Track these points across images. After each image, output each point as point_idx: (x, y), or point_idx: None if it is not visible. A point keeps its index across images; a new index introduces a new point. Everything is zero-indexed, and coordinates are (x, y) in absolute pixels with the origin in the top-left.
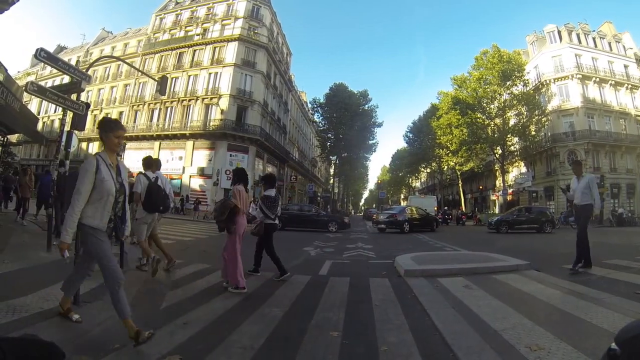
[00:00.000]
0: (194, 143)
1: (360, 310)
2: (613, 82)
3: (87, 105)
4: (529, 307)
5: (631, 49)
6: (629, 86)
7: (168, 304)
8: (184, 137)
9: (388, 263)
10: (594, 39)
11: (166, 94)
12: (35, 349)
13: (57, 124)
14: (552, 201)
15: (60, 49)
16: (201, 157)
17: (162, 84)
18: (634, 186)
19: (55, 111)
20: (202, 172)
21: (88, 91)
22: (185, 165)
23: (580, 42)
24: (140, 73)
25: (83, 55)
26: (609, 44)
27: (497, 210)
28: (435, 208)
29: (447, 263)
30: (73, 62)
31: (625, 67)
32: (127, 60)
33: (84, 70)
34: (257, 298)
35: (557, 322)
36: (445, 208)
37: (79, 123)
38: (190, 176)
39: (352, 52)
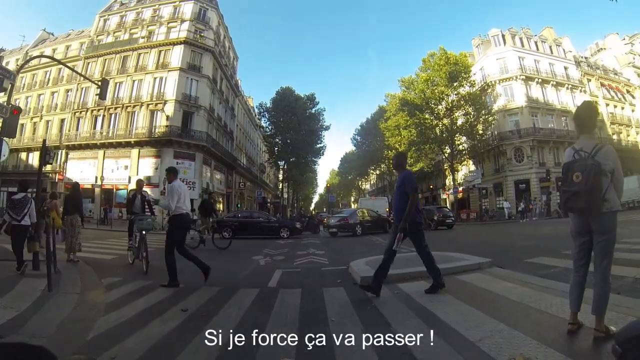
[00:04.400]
0: (139, 151)
1: (315, 329)
2: (554, 83)
3: (18, 109)
4: (502, 310)
5: (570, 52)
6: (569, 86)
7: (96, 333)
8: (129, 145)
9: (342, 269)
10: (535, 42)
11: (110, 100)
12: (24, 354)
13: None
14: (502, 197)
15: None
16: (147, 165)
17: (102, 87)
18: None
19: None
20: (148, 181)
21: (27, 97)
22: (131, 175)
23: (523, 45)
24: (82, 78)
25: (22, 58)
26: (550, 47)
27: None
28: (387, 209)
29: (405, 266)
30: (11, 65)
31: (566, 68)
32: (69, 64)
33: (16, 71)
34: (199, 319)
35: (537, 325)
36: None
37: (9, 129)
38: None
39: (300, 56)
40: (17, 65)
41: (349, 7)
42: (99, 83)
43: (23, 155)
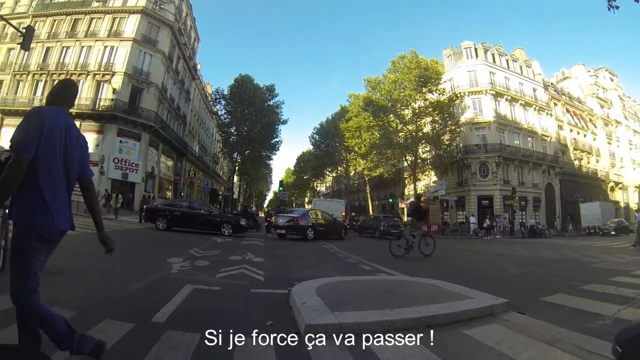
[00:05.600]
0: (80, 124)
1: None
2: (523, 102)
3: None
4: None
5: (539, 74)
6: (537, 107)
7: None
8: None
9: (280, 295)
10: (507, 60)
11: (54, 65)
12: (21, 356)
13: None
14: (463, 211)
15: None
16: (88, 141)
17: (26, 35)
18: (539, 200)
19: None
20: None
21: None
22: None
23: (494, 61)
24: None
25: None
26: (520, 67)
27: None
28: (343, 213)
29: (381, 304)
30: None
31: (534, 90)
32: (12, 21)
33: None
34: None
35: None
36: (353, 214)
37: None
38: None
39: (264, 46)
40: None
41: (319, 6)
42: (23, 30)
43: None
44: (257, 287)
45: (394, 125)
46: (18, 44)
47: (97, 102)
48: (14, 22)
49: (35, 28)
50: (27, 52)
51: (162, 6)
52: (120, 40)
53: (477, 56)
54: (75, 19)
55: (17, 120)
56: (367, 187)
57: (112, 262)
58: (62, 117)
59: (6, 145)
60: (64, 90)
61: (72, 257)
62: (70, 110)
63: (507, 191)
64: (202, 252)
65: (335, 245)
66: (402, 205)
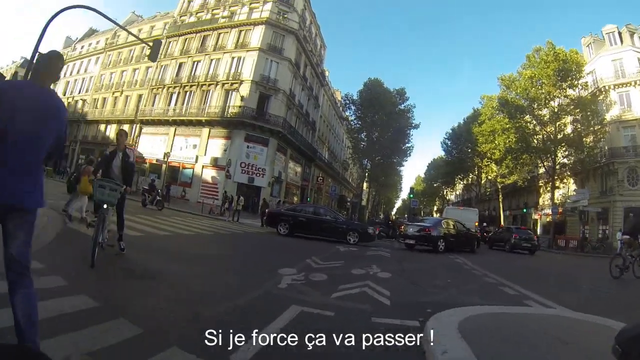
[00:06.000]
0: (209, 131)
1: None
2: None
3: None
4: None
5: None
6: None
7: None
8: (200, 123)
9: (409, 328)
10: None
11: (186, 78)
12: (17, 356)
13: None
14: (607, 225)
15: (92, 31)
16: (216, 146)
17: (154, 48)
18: None
19: None
20: (215, 163)
21: (111, 72)
22: (199, 154)
23: None
24: (162, 55)
25: (111, 37)
26: None
27: (539, 231)
28: (476, 223)
29: None
30: (101, 44)
31: None
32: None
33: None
34: None
35: None
36: (484, 224)
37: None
38: (202, 166)
39: (390, 46)
40: (107, 43)
41: (445, 4)
42: (151, 44)
43: (102, 127)
44: (380, 315)
45: (531, 126)
46: (147, 56)
47: (226, 110)
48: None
49: (169, 47)
50: (161, 67)
51: (286, 15)
52: (247, 51)
53: (622, 42)
54: (204, 35)
55: (153, 129)
56: (500, 196)
57: (217, 269)
58: (25, 89)
59: (145, 151)
60: (36, 65)
61: (176, 260)
62: (198, 118)
63: None
64: (321, 262)
65: (468, 259)
66: (535, 216)
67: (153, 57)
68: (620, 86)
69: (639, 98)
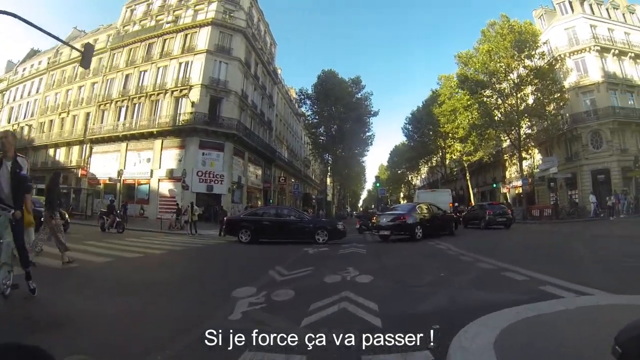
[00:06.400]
0: (162, 142)
1: None
2: (632, 55)
3: None
4: None
5: None
6: None
7: None
8: (151, 135)
9: None
10: (607, 9)
11: (134, 89)
12: (20, 355)
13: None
14: (576, 190)
15: (34, 52)
16: (170, 157)
17: (85, 53)
18: None
19: None
20: (171, 175)
21: (56, 93)
22: (154, 168)
23: (593, 12)
24: (107, 69)
25: (53, 55)
26: (623, 15)
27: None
28: (450, 204)
29: None
30: (44, 64)
31: None
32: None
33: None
34: None
35: None
36: (456, 204)
37: None
38: (159, 180)
39: (342, 37)
40: (49, 62)
41: None
42: (82, 50)
43: (51, 151)
44: (373, 350)
45: (494, 100)
46: (79, 64)
47: (177, 118)
48: (95, 58)
49: (114, 59)
50: (107, 81)
51: (232, 14)
52: (195, 54)
53: (572, 10)
54: (149, 43)
55: (104, 147)
56: (467, 174)
57: (155, 299)
58: None
59: (97, 172)
60: None
61: (107, 293)
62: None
63: (625, 162)
64: (287, 272)
65: (450, 243)
66: (504, 190)
67: (85, 63)
68: (575, 53)
69: (594, 63)
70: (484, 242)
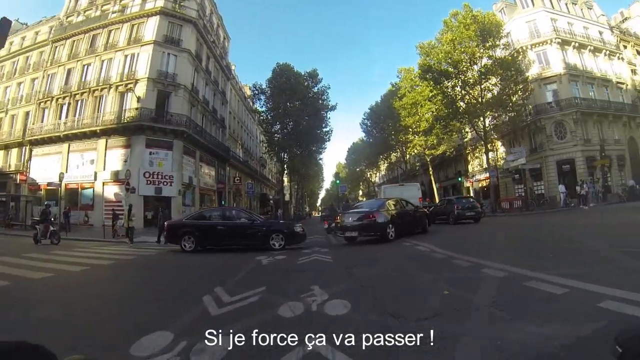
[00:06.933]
0: (106, 141)
1: None
2: (592, 48)
3: None
4: None
5: (602, 15)
6: (607, 52)
7: None
8: (95, 135)
9: None
10: (566, 4)
11: (76, 85)
12: (23, 352)
13: None
14: (541, 181)
15: None
16: (115, 158)
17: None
18: (624, 157)
19: None
20: (116, 177)
21: None
22: (98, 170)
23: (553, 6)
24: (48, 64)
25: None
26: (581, 10)
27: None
28: (420, 199)
29: None
30: None
31: (600, 33)
32: (36, 50)
33: None
34: None
35: None
36: (428, 200)
37: None
38: (103, 183)
39: (300, 35)
40: None
41: None
42: None
43: None
44: None
45: (458, 90)
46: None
47: (122, 115)
48: (35, 52)
49: (56, 53)
50: (49, 77)
51: (183, 3)
52: (141, 45)
53: (533, 4)
54: (93, 35)
55: (45, 149)
56: (430, 169)
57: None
58: None
59: (38, 176)
60: None
61: None
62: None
63: (589, 151)
64: (229, 298)
65: (430, 243)
66: (467, 184)
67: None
68: (537, 45)
69: (556, 55)
70: (465, 239)
